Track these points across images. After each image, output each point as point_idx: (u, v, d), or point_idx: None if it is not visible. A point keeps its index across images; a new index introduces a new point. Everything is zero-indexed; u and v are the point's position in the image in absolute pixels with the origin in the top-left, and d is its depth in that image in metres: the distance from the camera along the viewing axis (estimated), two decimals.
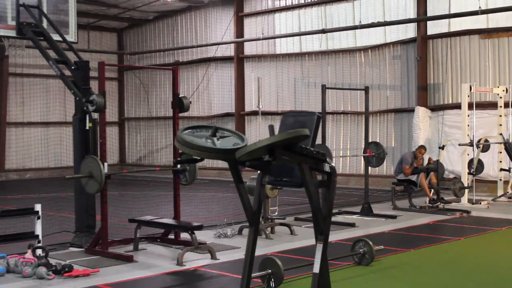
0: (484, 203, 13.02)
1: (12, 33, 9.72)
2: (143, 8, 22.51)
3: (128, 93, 25.68)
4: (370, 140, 13.22)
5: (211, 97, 22.66)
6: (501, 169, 14.21)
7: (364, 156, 12.47)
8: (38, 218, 7.67)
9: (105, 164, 8.09)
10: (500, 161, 14.33)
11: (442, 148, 14.31)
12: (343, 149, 18.94)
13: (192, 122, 21.93)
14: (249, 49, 21.57)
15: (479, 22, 16.14)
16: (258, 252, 5.97)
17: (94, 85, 9.00)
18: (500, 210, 12.55)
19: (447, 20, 16.84)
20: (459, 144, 13.42)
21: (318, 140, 7.42)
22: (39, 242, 7.58)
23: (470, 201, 13.07)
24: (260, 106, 11.77)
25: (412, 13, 17.35)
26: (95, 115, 8.80)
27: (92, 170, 7.94)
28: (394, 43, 17.96)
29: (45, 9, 9.89)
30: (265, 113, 19.50)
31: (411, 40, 17.51)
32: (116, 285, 6.86)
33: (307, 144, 4.63)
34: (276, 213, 10.64)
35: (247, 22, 21.51)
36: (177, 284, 7.28)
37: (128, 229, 9.31)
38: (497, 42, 15.92)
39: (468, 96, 13.21)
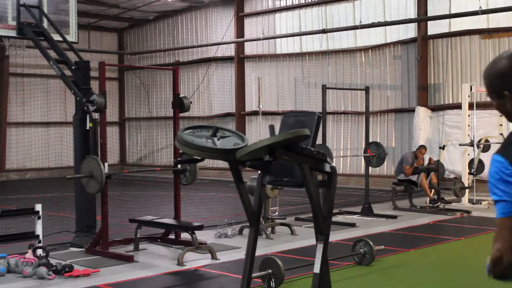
0: (485, 203, 13.01)
1: (13, 33, 9.73)
2: (144, 8, 22.50)
3: (128, 93, 25.68)
4: (370, 140, 13.22)
5: (212, 97, 22.66)
6: None
7: (364, 156, 12.47)
8: (39, 218, 7.67)
9: (106, 164, 8.09)
10: None
11: (442, 148, 14.29)
12: (344, 149, 18.94)
13: (193, 122, 21.91)
14: (250, 49, 21.57)
15: (479, 22, 16.12)
16: (259, 252, 5.97)
17: (94, 85, 9.01)
18: None
19: (447, 20, 16.83)
20: (460, 144, 13.41)
21: (319, 140, 7.40)
22: (39, 242, 7.58)
23: (470, 201, 13.07)
24: (261, 106, 11.77)
25: (412, 13, 17.34)
26: (96, 115, 8.80)
27: (93, 170, 7.95)
28: (394, 43, 17.96)
29: (45, 9, 9.89)
30: (265, 113, 19.46)
31: (412, 40, 17.50)
32: (116, 285, 6.86)
33: (307, 144, 4.63)
34: (277, 213, 10.64)
35: (248, 22, 21.50)
36: (178, 284, 7.28)
37: (129, 229, 9.30)
38: (498, 42, 15.90)
39: (469, 96, 13.20)
